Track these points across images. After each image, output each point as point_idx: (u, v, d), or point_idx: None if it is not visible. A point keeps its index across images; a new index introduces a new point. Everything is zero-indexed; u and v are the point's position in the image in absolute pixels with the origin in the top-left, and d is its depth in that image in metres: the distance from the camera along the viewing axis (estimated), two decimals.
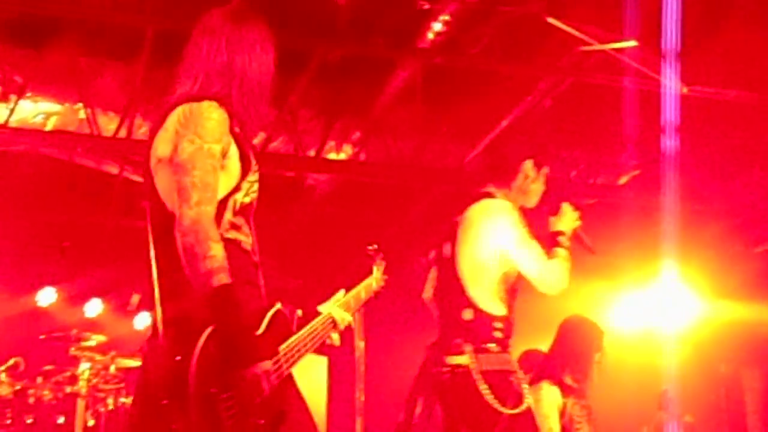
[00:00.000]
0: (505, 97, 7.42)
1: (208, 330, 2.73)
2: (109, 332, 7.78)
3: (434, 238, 4.65)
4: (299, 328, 3.16)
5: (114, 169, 7.98)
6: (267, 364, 2.79)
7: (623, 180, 8.57)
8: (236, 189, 3.01)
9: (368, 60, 6.92)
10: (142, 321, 10.18)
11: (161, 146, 2.99)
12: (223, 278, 2.76)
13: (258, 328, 2.91)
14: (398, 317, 11.13)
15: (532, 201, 4.64)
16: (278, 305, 3.03)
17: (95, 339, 7.17)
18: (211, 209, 2.85)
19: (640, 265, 9.35)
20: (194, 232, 2.79)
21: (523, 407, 4.12)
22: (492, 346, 4.20)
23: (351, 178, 8.32)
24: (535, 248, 4.30)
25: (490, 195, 4.53)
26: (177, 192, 2.86)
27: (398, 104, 7.49)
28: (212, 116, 2.96)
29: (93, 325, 8.99)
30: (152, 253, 2.99)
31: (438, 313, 4.52)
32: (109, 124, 7.18)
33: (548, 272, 4.29)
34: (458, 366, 4.19)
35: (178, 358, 2.73)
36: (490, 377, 4.13)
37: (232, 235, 2.98)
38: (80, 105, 7.10)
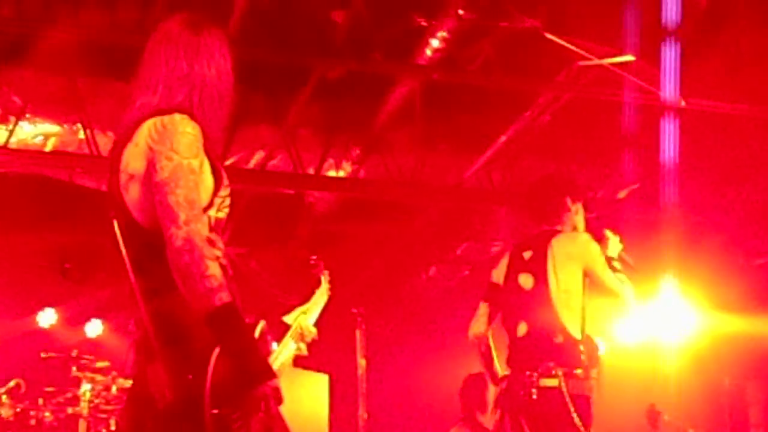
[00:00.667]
0: (504, 112, 7.43)
1: (217, 350, 2.71)
2: (109, 353, 7.76)
3: (471, 272, 5.01)
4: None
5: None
6: (274, 383, 2.78)
7: (622, 194, 8.57)
8: (209, 205, 2.94)
9: (367, 77, 6.93)
10: None
11: (132, 162, 2.91)
12: (224, 297, 2.72)
13: (257, 346, 2.90)
14: (399, 333, 11.12)
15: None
16: (263, 322, 3.01)
17: (98, 364, 7.13)
18: (201, 227, 2.80)
19: (640, 278, 9.33)
20: (188, 252, 2.73)
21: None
22: (579, 371, 4.58)
23: (350, 195, 8.32)
24: (611, 275, 4.76)
25: (558, 231, 4.90)
26: (162, 213, 2.80)
27: (397, 121, 7.49)
28: (187, 130, 2.90)
29: (94, 346, 8.98)
30: (130, 273, 2.92)
31: (525, 338, 4.79)
32: (108, 145, 7.18)
33: (629, 295, 4.77)
34: (549, 388, 4.51)
35: (190, 377, 2.70)
36: (576, 401, 4.48)
37: (215, 254, 2.95)
38: (79, 125, 7.10)
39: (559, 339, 4.65)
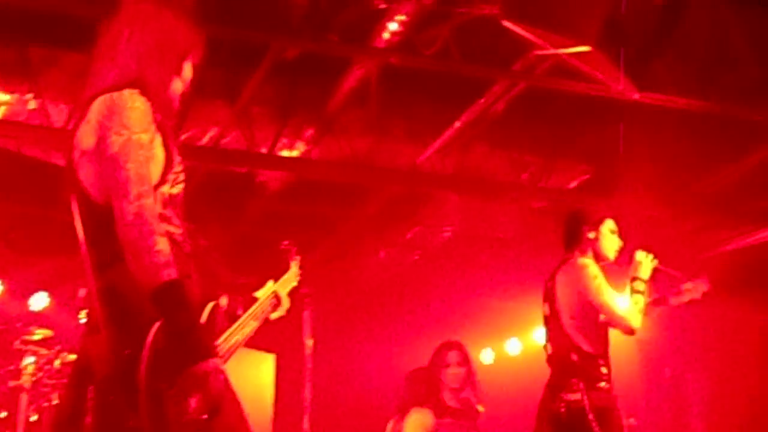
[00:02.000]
0: (459, 99, 7.44)
1: (157, 324, 2.70)
2: (54, 326, 7.68)
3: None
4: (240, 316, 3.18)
5: (63, 161, 7.87)
6: (215, 363, 2.77)
7: (574, 184, 8.63)
8: (163, 181, 2.94)
9: (323, 58, 6.90)
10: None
11: (85, 138, 2.94)
12: (171, 273, 2.73)
13: (200, 324, 2.89)
14: (347, 315, 11.13)
15: (610, 256, 5.49)
16: (225, 298, 3.02)
17: (40, 333, 7.08)
18: (151, 202, 2.80)
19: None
20: (138, 226, 2.74)
21: None
22: (603, 384, 5.12)
23: (303, 175, 8.29)
24: (610, 297, 5.17)
25: (570, 258, 5.42)
26: (113, 187, 2.80)
27: (352, 103, 7.48)
28: (136, 105, 2.90)
29: (38, 319, 8.88)
30: (84, 248, 2.93)
31: (551, 357, 5.44)
32: (59, 116, 7.10)
33: (621, 316, 5.14)
34: (573, 402, 5.04)
35: (127, 352, 2.69)
36: (602, 413, 4.99)
37: (164, 227, 2.94)
38: (30, 95, 7.00)
39: (575, 357, 5.20)
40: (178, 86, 3.17)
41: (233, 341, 3.06)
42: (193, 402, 2.73)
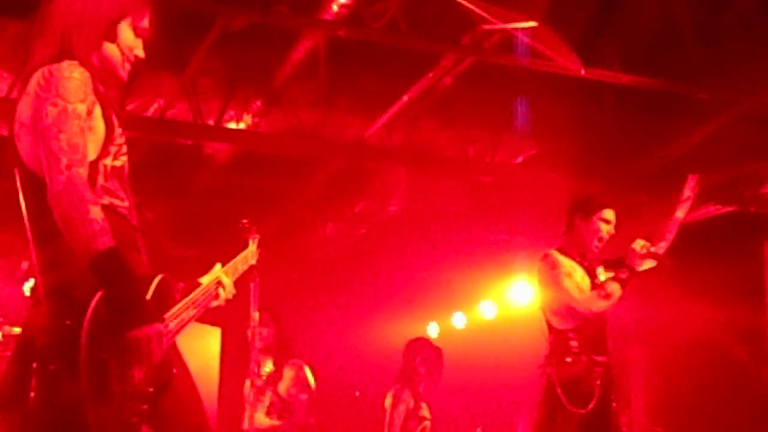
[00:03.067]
0: (407, 73, 7.44)
1: (98, 294, 2.68)
2: None
3: None
4: (182, 299, 3.13)
5: (5, 131, 7.76)
6: (157, 327, 2.76)
7: (520, 159, 8.69)
8: (104, 154, 2.93)
9: (271, 30, 6.85)
10: (30, 288, 9.96)
11: (24, 111, 2.92)
12: (106, 241, 2.71)
13: (146, 293, 2.87)
14: (293, 289, 11.13)
15: (591, 245, 5.68)
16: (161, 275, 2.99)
17: None
18: (83, 171, 2.78)
19: (533, 243, 9.49)
20: (68, 195, 2.72)
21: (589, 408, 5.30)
22: (568, 359, 5.44)
23: (250, 148, 8.25)
24: (565, 286, 5.48)
25: (558, 246, 5.75)
26: (45, 158, 2.78)
27: (300, 76, 7.44)
28: (73, 75, 2.87)
29: None
30: (26, 221, 2.91)
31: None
32: (1, 84, 6.98)
33: (578, 303, 5.44)
34: (547, 376, 5.47)
35: (68, 322, 2.68)
36: (566, 385, 5.35)
37: (106, 200, 2.91)
38: None
39: (548, 334, 5.62)
40: (113, 52, 3.09)
41: (181, 317, 3.03)
42: (137, 373, 2.72)
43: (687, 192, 5.79)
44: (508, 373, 11.09)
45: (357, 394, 12.07)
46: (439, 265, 10.72)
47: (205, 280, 3.36)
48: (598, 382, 5.39)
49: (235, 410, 7.31)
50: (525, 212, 9.28)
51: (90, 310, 2.66)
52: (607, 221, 5.70)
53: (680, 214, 5.76)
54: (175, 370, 2.96)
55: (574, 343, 5.47)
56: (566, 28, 6.59)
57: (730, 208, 8.56)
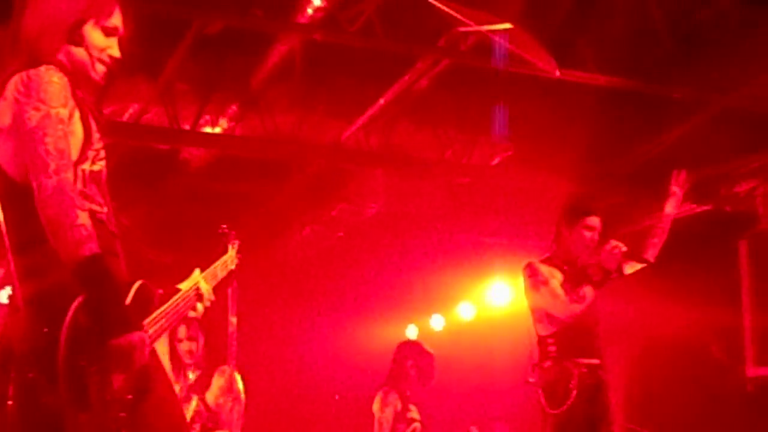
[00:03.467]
0: (383, 75, 7.44)
1: (78, 300, 2.66)
2: None
3: None
4: (161, 305, 3.10)
5: None
6: (140, 335, 2.74)
7: (497, 160, 8.70)
8: (83, 158, 2.91)
9: (246, 33, 6.84)
10: (6, 295, 9.88)
11: (2, 116, 2.88)
12: (93, 247, 2.70)
13: (125, 299, 2.85)
14: (271, 292, 11.10)
15: (579, 254, 5.74)
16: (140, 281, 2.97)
17: None
18: (70, 176, 2.77)
19: (511, 244, 9.51)
20: (58, 200, 2.71)
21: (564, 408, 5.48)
22: (547, 364, 5.62)
23: (226, 152, 8.23)
24: (541, 293, 5.63)
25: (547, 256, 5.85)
26: (31, 162, 2.76)
27: (276, 79, 7.43)
28: (53, 80, 2.85)
29: None
30: (3, 228, 2.89)
31: None
32: None
33: (553, 308, 5.60)
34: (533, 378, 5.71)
35: (46, 330, 2.66)
36: (545, 387, 5.58)
37: (86, 206, 2.90)
38: None
39: (537, 344, 5.78)
40: (80, 55, 3.06)
41: (160, 324, 3.01)
42: (117, 380, 2.70)
43: (675, 188, 5.85)
44: (488, 373, 11.12)
45: (336, 397, 12.05)
46: (417, 267, 10.72)
47: (185, 286, 3.33)
48: (573, 384, 5.49)
49: None
50: (502, 213, 9.30)
51: (68, 317, 2.64)
52: (590, 228, 5.75)
53: (670, 209, 5.83)
54: (153, 376, 2.94)
55: (552, 348, 5.63)
56: (541, 29, 6.61)
57: (705, 207, 8.61)
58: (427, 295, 11.66)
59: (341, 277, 11.44)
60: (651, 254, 5.76)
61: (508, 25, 6.36)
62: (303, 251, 10.75)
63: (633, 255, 5.64)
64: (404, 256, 10.65)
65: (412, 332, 12.55)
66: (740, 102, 7.38)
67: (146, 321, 2.92)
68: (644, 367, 9.62)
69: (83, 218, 2.73)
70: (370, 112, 7.74)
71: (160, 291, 3.12)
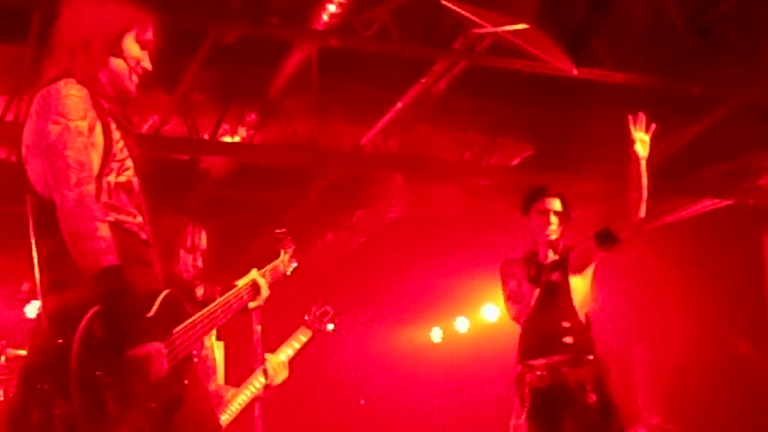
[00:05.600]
0: (400, 79, 7.44)
1: (92, 311, 2.67)
2: None
3: None
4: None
5: (1, 154, 7.77)
6: (157, 345, 2.74)
7: (516, 161, 8.69)
8: (107, 171, 2.93)
9: (262, 42, 6.86)
10: (34, 310, 9.93)
11: (28, 134, 2.92)
12: (111, 259, 2.71)
13: (149, 310, 2.85)
14: (294, 300, 11.11)
15: (536, 239, 5.49)
16: (201, 288, 3.02)
17: None
18: (91, 188, 2.79)
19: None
20: (78, 213, 2.72)
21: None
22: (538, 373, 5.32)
23: (246, 161, 8.25)
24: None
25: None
26: (52, 176, 2.78)
27: (293, 87, 7.44)
28: (71, 93, 2.87)
29: None
30: (33, 244, 2.91)
31: None
32: None
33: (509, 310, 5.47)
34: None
35: (60, 341, 2.67)
36: (534, 394, 5.25)
37: (112, 217, 2.90)
38: None
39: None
40: (120, 66, 3.10)
41: (192, 332, 3.02)
42: (138, 389, 2.70)
43: (636, 134, 5.34)
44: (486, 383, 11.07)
45: (362, 401, 12.05)
46: (440, 270, 10.71)
47: (241, 282, 3.46)
48: (526, 391, 5.24)
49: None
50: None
51: (81, 327, 2.64)
52: (542, 211, 5.41)
53: (641, 151, 5.30)
54: (186, 382, 2.94)
55: (515, 350, 5.41)
56: (557, 28, 6.59)
57: (728, 202, 8.57)
58: (451, 297, 11.64)
59: (364, 283, 11.44)
60: (633, 215, 5.32)
61: (524, 26, 6.34)
62: (325, 258, 10.76)
63: (603, 238, 5.25)
64: (427, 260, 10.64)
65: (436, 335, 12.54)
66: (760, 96, 7.34)
67: (177, 329, 2.93)
68: (671, 363, 9.58)
69: (103, 230, 2.74)
70: (388, 116, 7.74)
71: (219, 288, 3.20)
